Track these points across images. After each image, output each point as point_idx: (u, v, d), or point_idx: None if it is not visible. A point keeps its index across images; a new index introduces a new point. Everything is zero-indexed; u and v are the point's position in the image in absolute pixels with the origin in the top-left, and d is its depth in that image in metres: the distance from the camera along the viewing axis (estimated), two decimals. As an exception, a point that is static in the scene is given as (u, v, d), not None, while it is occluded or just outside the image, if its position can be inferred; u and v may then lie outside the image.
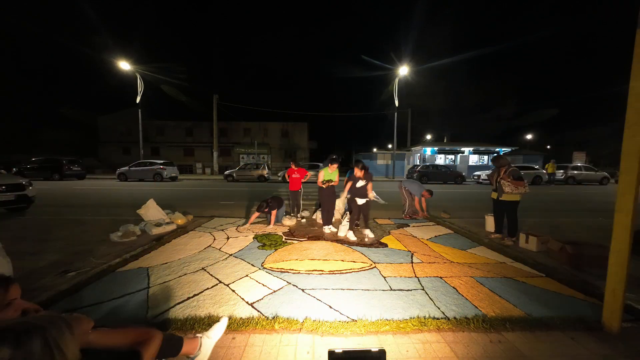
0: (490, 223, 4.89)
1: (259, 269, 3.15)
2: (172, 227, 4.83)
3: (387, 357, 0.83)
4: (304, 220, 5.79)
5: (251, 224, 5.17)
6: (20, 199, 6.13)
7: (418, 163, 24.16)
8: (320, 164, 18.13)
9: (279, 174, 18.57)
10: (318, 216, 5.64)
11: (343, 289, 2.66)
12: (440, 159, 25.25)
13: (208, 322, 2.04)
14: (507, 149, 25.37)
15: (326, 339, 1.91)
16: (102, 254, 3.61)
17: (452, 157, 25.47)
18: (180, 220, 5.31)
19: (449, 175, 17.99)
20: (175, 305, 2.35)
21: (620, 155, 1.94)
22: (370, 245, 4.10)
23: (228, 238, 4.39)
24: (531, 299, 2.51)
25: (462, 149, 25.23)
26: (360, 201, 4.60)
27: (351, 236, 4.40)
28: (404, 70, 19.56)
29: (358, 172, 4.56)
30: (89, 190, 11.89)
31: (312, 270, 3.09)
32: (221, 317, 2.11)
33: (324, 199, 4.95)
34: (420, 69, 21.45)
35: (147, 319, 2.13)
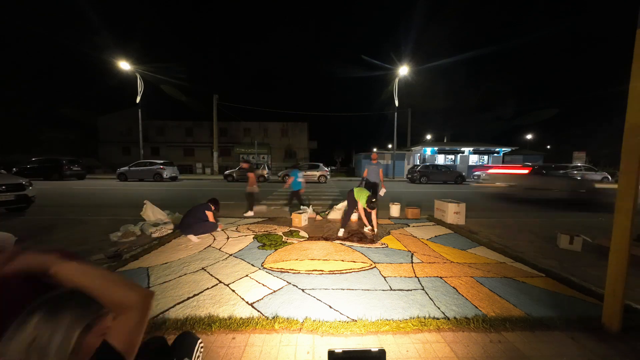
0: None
1: (259, 269, 3.15)
2: (170, 227, 4.83)
3: (387, 357, 0.83)
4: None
5: (254, 224, 5.16)
6: (20, 199, 6.13)
7: (418, 163, 24.15)
8: (320, 164, 18.06)
9: (279, 174, 18.56)
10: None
11: (343, 289, 2.66)
12: (440, 159, 25.24)
13: (208, 322, 2.04)
14: (507, 149, 25.37)
15: (326, 339, 1.91)
16: (102, 254, 3.61)
17: (452, 157, 25.47)
18: (180, 220, 5.31)
19: (449, 175, 18.00)
20: (175, 305, 2.35)
21: (620, 155, 1.95)
22: (370, 244, 4.10)
23: (228, 238, 4.39)
24: (531, 299, 2.51)
25: (462, 149, 25.23)
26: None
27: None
28: (404, 70, 19.56)
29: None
30: (89, 190, 11.88)
31: (312, 270, 3.09)
32: (221, 316, 2.12)
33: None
34: (421, 68, 21.50)
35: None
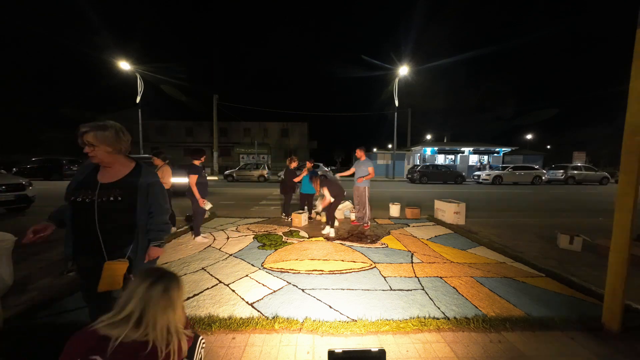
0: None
1: (259, 269, 3.15)
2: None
3: (387, 357, 0.83)
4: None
5: (254, 224, 5.16)
6: (20, 199, 6.12)
7: (418, 163, 24.14)
8: (320, 164, 18.05)
9: (279, 174, 18.54)
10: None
11: (343, 289, 2.66)
12: (440, 159, 25.23)
13: (208, 321, 2.04)
14: (507, 149, 25.36)
15: (326, 339, 1.91)
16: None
17: (452, 157, 25.44)
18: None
19: (449, 175, 17.99)
20: (175, 305, 2.34)
21: (620, 155, 1.94)
22: (370, 244, 4.10)
23: (228, 238, 4.40)
24: (531, 299, 2.51)
25: (462, 149, 25.19)
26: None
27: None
28: (404, 70, 19.54)
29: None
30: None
31: (312, 270, 3.09)
32: (221, 316, 2.12)
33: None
34: (421, 68, 21.47)
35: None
